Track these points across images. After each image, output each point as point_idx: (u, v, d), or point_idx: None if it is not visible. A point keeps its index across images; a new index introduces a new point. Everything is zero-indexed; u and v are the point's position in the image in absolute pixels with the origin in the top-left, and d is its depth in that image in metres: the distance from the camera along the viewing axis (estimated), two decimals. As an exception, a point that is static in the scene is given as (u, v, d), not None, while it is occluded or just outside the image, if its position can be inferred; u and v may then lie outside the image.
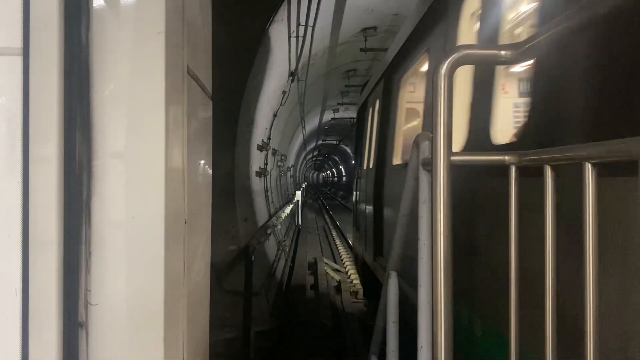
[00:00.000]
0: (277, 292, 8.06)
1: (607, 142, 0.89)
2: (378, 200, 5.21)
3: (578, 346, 0.97)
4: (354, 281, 9.08)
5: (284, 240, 11.50)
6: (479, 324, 2.11)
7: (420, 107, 4.22)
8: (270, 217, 10.48)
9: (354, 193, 8.52)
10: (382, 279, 2.97)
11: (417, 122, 4.72)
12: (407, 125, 4.89)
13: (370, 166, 5.96)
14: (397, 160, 4.60)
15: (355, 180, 8.29)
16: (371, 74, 8.82)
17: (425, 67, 3.85)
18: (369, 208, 5.85)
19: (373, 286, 5.58)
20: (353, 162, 10.25)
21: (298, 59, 8.84)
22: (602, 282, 0.94)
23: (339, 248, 13.86)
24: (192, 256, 1.80)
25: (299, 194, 21.20)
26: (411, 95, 4.78)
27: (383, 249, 5.01)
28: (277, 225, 10.80)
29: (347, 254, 12.34)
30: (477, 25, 2.42)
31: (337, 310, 7.81)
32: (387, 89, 5.16)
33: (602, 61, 1.27)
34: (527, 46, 1.14)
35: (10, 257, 1.33)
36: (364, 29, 10.31)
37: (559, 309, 1.08)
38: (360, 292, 8.19)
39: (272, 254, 9.19)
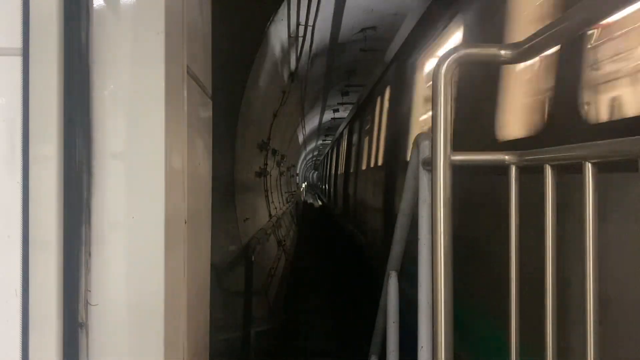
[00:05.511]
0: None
1: (607, 142, 0.88)
2: (332, 184, 18.28)
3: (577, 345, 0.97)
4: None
5: (285, 241, 11.49)
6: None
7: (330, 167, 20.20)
8: (271, 217, 10.46)
9: (323, 184, 30.10)
10: (329, 206, 19.54)
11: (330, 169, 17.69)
12: (331, 168, 19.89)
13: (326, 174, 23.79)
14: (337, 172, 15.40)
15: (321, 178, 34.15)
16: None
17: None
18: (328, 188, 21.01)
19: (322, 203, 26.11)
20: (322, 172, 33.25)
21: (298, 59, 8.84)
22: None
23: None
24: (192, 256, 1.80)
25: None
26: (334, 161, 18.22)
27: (330, 197, 19.15)
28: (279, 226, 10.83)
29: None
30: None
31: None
32: (328, 157, 24.24)
33: None
34: (527, 45, 1.13)
35: (10, 257, 1.32)
36: (364, 29, 10.29)
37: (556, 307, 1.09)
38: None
39: (273, 254, 9.18)
